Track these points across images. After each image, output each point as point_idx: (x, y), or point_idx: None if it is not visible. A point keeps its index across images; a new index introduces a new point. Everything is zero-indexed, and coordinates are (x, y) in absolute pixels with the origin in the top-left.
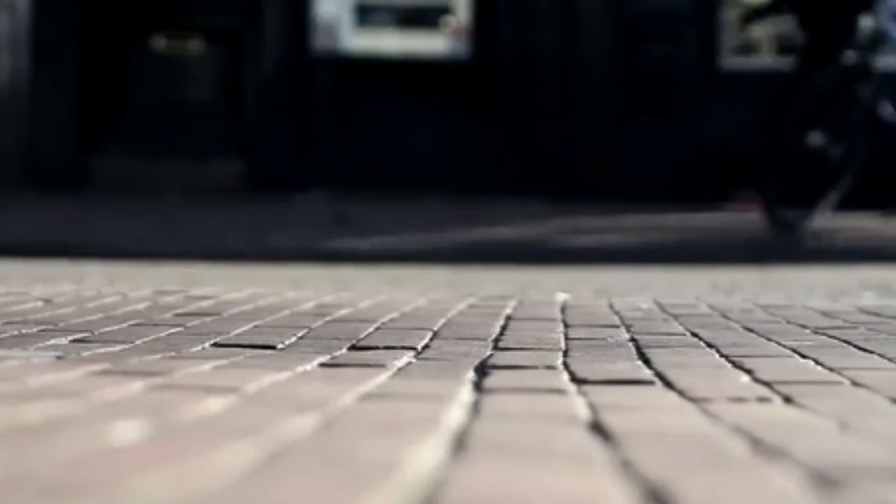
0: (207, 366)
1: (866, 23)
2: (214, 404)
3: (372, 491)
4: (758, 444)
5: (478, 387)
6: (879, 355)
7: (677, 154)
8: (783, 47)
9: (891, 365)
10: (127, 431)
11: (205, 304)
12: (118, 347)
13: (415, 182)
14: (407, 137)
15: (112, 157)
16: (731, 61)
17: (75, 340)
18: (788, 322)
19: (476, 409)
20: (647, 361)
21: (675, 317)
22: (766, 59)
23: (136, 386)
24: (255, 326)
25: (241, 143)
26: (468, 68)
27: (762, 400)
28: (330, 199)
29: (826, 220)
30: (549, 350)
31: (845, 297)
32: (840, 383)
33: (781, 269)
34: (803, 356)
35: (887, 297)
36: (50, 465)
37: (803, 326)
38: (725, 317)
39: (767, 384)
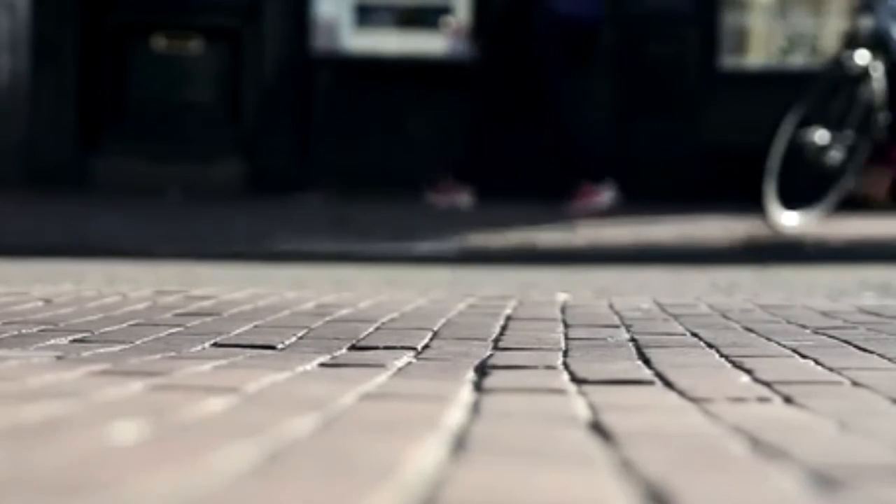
0: (207, 366)
1: (867, 23)
2: (214, 404)
3: (372, 491)
4: (758, 444)
5: (478, 387)
6: (879, 355)
7: (677, 154)
8: (783, 46)
9: (891, 365)
10: (127, 431)
11: (205, 304)
12: (118, 347)
13: (415, 182)
14: (407, 137)
15: (112, 156)
16: (731, 61)
17: (75, 340)
18: (788, 322)
19: (476, 409)
20: (647, 361)
21: (675, 317)
22: (766, 59)
23: (136, 386)
24: (255, 326)
25: (241, 143)
26: (468, 68)
27: (762, 400)
28: (330, 199)
29: (826, 220)
30: (549, 350)
31: (845, 297)
32: (840, 383)
33: (781, 269)
34: (803, 356)
35: (887, 297)
36: (50, 465)
37: (803, 326)
38: (725, 317)
39: (767, 384)
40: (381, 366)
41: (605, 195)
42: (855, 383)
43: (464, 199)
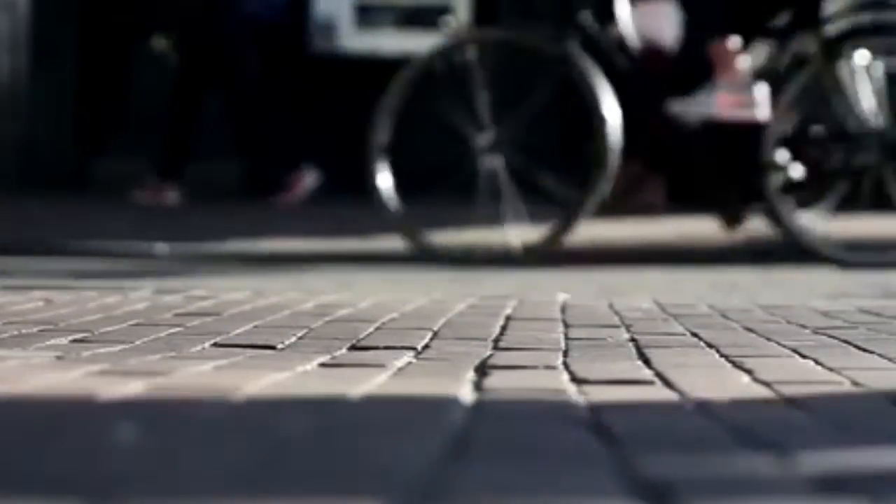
0: (207, 366)
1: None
2: (214, 404)
3: (371, 491)
4: (758, 444)
5: (478, 387)
6: (879, 355)
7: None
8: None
9: (891, 365)
10: (127, 431)
11: (205, 304)
12: (118, 347)
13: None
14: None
15: (111, 156)
16: None
17: (75, 340)
18: (788, 322)
19: (476, 409)
20: (647, 361)
21: (675, 317)
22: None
23: (136, 386)
24: (255, 326)
25: (240, 143)
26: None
27: (762, 400)
28: (329, 199)
29: (826, 220)
30: (549, 350)
31: (845, 297)
32: (840, 383)
33: (781, 269)
34: (803, 356)
35: (887, 297)
36: (50, 464)
37: (803, 326)
38: (725, 317)
39: (767, 384)
40: (381, 366)
41: (172, 195)
42: (855, 383)
43: (171, 196)
